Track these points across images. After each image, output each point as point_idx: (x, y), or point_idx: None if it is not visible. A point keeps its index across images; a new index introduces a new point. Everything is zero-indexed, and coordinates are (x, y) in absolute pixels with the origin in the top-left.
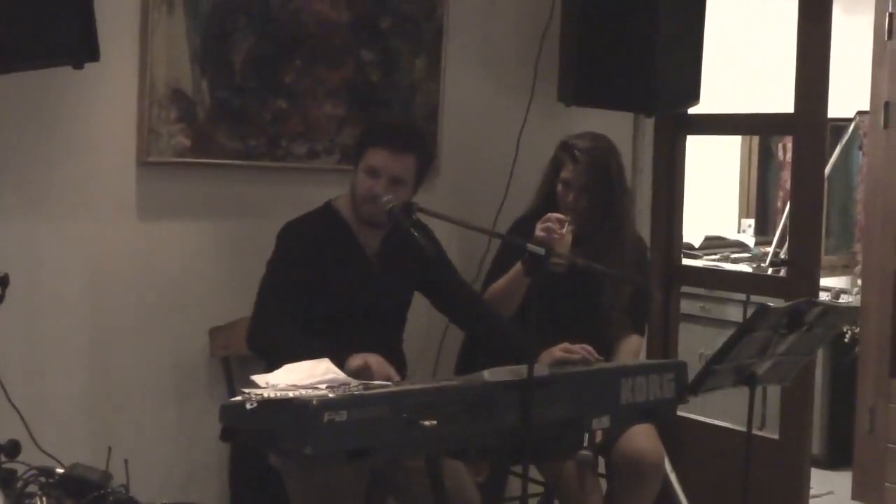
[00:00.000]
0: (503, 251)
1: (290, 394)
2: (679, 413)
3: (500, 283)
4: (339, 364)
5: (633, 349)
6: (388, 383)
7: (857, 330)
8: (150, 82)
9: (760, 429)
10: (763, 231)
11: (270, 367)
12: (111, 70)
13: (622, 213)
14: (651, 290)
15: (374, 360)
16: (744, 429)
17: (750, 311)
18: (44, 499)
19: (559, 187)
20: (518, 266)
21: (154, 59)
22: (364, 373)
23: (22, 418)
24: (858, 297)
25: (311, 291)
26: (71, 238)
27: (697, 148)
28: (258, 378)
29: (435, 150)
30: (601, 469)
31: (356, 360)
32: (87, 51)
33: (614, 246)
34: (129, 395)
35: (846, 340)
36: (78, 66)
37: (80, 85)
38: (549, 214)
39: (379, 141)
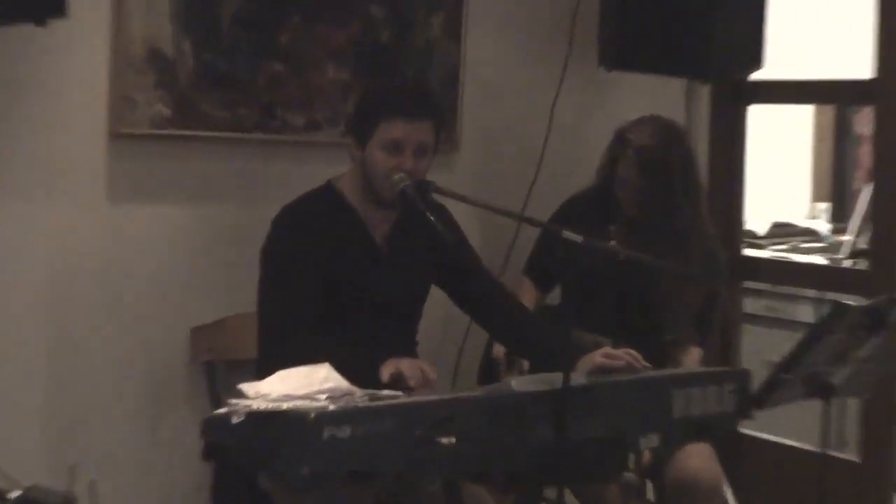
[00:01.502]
0: (543, 240)
1: (284, 405)
2: (741, 430)
3: None
4: (371, 374)
5: (691, 362)
6: (401, 394)
7: None
8: (124, 42)
9: (837, 449)
10: (839, 217)
11: (264, 373)
12: (79, 27)
13: (687, 216)
14: (719, 297)
15: (408, 366)
16: (817, 449)
17: (824, 311)
18: None
19: (616, 183)
20: None
21: (129, 14)
22: (399, 381)
23: None
24: None
25: (314, 286)
26: (30, 224)
27: (761, 120)
28: (247, 386)
29: (454, 121)
30: (649, 495)
31: (388, 369)
32: (51, 5)
33: (678, 251)
34: (96, 405)
35: None
36: (40, 22)
37: (42, 45)
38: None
39: (393, 111)
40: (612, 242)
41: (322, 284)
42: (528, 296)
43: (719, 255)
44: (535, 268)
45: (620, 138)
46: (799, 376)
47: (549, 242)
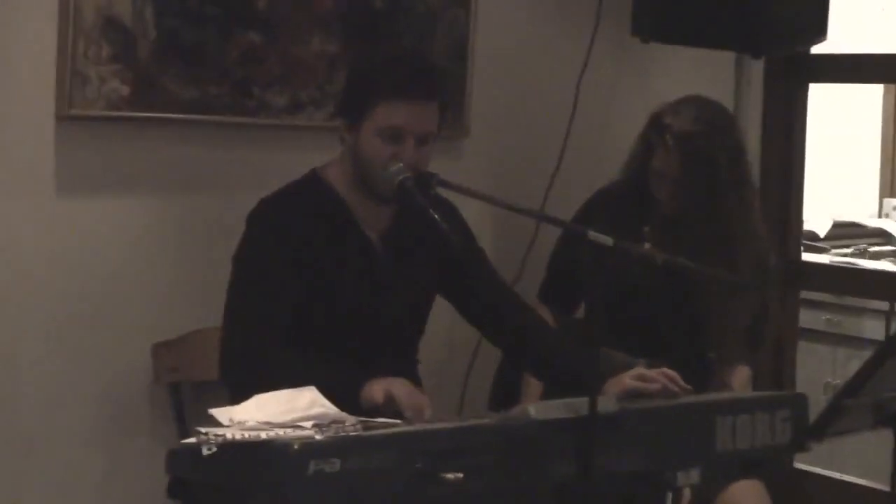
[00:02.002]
0: (563, 250)
1: (264, 434)
2: (796, 465)
3: None
4: (352, 395)
5: (740, 384)
6: (400, 422)
7: None
8: (73, 7)
9: None
10: None
11: (238, 398)
12: None
13: (735, 216)
14: (770, 309)
15: (401, 388)
16: (886, 487)
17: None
18: None
19: (651, 176)
20: None
21: None
22: (387, 407)
23: None
24: None
25: (296, 294)
26: None
27: (823, 102)
28: (220, 412)
29: (463, 101)
30: None
31: (374, 390)
32: None
33: (724, 256)
34: (43, 433)
35: None
36: None
37: None
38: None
39: (393, 91)
40: (647, 246)
41: (305, 292)
42: None
43: (770, 261)
44: (554, 291)
45: (657, 123)
46: (865, 403)
47: (572, 249)
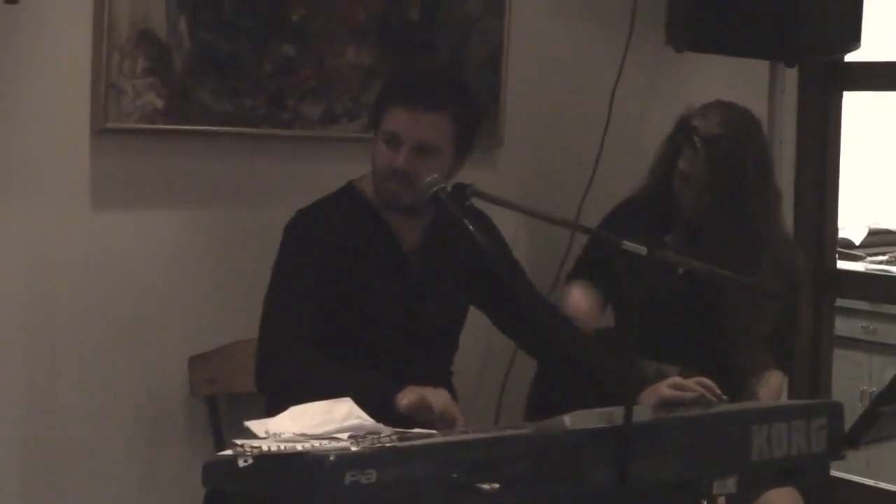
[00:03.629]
0: (592, 248)
1: (300, 446)
2: (833, 473)
3: None
4: (386, 401)
5: (772, 389)
6: (435, 432)
7: None
8: (108, 22)
9: None
10: None
11: (274, 409)
12: (57, 5)
13: (758, 223)
14: (799, 313)
15: (436, 395)
16: None
17: None
18: None
19: (676, 179)
20: None
21: None
22: (421, 413)
23: None
24: None
25: (331, 305)
26: (0, 234)
27: (858, 109)
28: (255, 424)
29: (497, 111)
30: None
31: (409, 396)
32: None
33: (749, 262)
34: (79, 447)
35: None
36: None
37: (13, 25)
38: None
39: (395, 98)
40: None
41: (340, 302)
42: (582, 302)
43: (798, 265)
44: (589, 268)
45: (684, 126)
46: None
47: (602, 252)
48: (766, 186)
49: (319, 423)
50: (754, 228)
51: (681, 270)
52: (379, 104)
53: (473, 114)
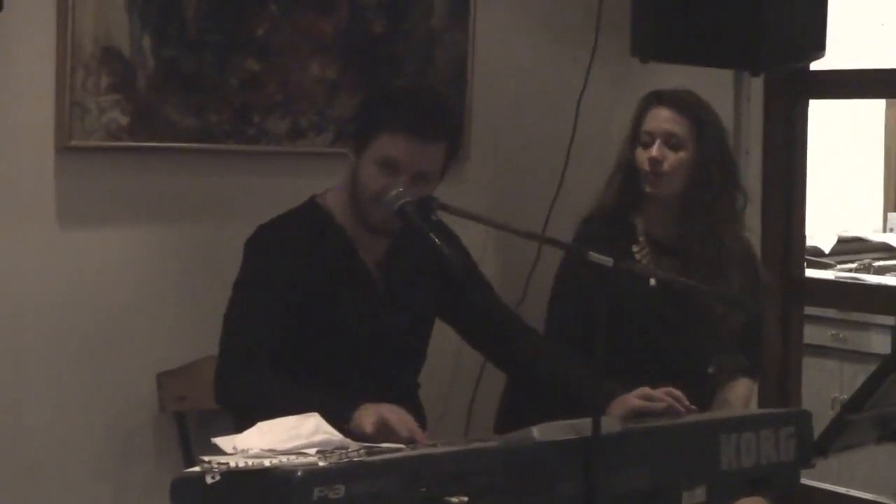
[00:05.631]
0: (568, 265)
1: (267, 462)
2: (805, 481)
3: None
4: (342, 420)
5: (740, 397)
6: (403, 446)
7: None
8: (72, 39)
9: None
10: None
11: (241, 425)
12: (19, 22)
13: (725, 228)
14: (765, 318)
15: (393, 413)
16: (893, 502)
17: None
18: None
19: (638, 150)
20: None
21: (78, 6)
22: (381, 431)
23: None
24: None
25: (293, 321)
26: None
27: (824, 117)
28: (223, 441)
29: (463, 125)
30: None
31: (366, 415)
32: None
33: (711, 249)
34: (49, 462)
35: None
36: None
37: None
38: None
39: (400, 125)
40: (644, 264)
41: (301, 317)
42: None
43: (762, 272)
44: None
45: (648, 94)
46: (870, 418)
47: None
48: (728, 182)
49: (287, 438)
50: (719, 234)
51: (653, 282)
52: (368, 125)
53: (459, 142)
